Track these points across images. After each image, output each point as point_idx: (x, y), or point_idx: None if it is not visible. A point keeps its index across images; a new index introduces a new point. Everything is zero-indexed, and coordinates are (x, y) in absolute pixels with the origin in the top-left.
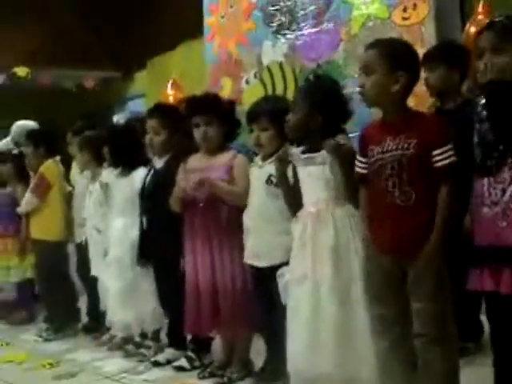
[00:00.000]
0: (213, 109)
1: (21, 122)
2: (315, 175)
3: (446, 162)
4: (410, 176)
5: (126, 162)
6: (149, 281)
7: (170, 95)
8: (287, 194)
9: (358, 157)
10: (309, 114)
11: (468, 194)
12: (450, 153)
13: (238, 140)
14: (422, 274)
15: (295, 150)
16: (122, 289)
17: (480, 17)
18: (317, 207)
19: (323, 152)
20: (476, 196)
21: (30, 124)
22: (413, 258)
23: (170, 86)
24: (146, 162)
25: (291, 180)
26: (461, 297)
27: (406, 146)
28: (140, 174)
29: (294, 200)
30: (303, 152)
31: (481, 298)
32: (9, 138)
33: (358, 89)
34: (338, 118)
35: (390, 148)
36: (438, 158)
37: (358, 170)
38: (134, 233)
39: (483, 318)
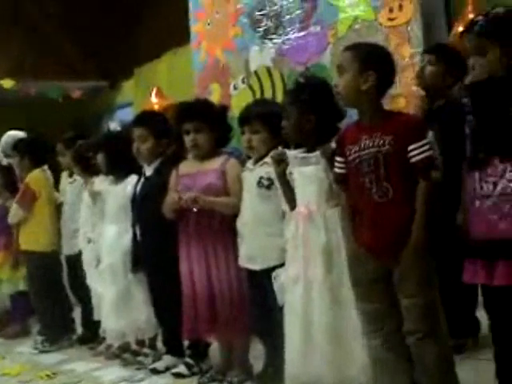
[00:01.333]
0: (202, 115)
1: (10, 133)
2: (308, 175)
3: (422, 156)
4: (386, 172)
5: (121, 169)
6: (142, 289)
7: (155, 103)
8: (287, 194)
9: (336, 157)
10: (300, 116)
11: (459, 189)
12: (426, 147)
13: (230, 145)
14: (407, 272)
15: (290, 152)
16: (116, 296)
17: (470, 16)
18: (308, 208)
19: (318, 153)
20: (468, 190)
21: (20, 134)
22: (395, 256)
23: (154, 94)
24: (138, 170)
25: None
26: (456, 293)
27: (381, 142)
28: (132, 182)
29: (292, 200)
30: (299, 153)
31: (476, 294)
32: None
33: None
34: (332, 117)
35: (365, 146)
36: (413, 152)
37: (336, 170)
38: (127, 240)
39: (480, 313)
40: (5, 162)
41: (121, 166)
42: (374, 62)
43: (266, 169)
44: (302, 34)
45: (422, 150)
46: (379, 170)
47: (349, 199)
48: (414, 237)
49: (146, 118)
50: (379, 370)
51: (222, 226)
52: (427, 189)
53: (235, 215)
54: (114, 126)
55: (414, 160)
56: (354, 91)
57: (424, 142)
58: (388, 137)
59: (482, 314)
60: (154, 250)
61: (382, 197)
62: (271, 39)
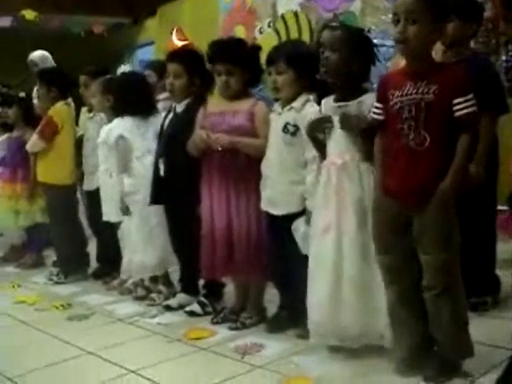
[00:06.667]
0: (235, 57)
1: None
2: None
3: (467, 110)
4: (426, 120)
5: (143, 111)
6: (161, 223)
7: (175, 43)
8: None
9: (375, 103)
10: (351, 56)
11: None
12: (472, 102)
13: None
14: (428, 224)
15: (327, 99)
16: (131, 230)
17: None
18: (342, 158)
19: (356, 101)
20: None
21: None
22: (420, 205)
23: (174, 33)
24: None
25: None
26: (477, 250)
27: (425, 90)
28: (159, 119)
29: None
30: (335, 101)
31: (495, 252)
32: None
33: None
34: (370, 64)
35: (409, 92)
36: (459, 106)
37: (373, 115)
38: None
39: (501, 272)
40: (22, 93)
41: (143, 106)
42: (447, 10)
43: (293, 114)
44: None
45: (467, 104)
46: (419, 118)
47: (383, 145)
48: (445, 186)
49: (182, 55)
50: (393, 324)
51: (245, 167)
52: (468, 143)
53: (261, 158)
54: (123, 68)
55: (458, 114)
56: (424, 43)
57: (470, 96)
58: (433, 86)
59: (502, 273)
60: (177, 185)
61: (419, 144)
62: None
